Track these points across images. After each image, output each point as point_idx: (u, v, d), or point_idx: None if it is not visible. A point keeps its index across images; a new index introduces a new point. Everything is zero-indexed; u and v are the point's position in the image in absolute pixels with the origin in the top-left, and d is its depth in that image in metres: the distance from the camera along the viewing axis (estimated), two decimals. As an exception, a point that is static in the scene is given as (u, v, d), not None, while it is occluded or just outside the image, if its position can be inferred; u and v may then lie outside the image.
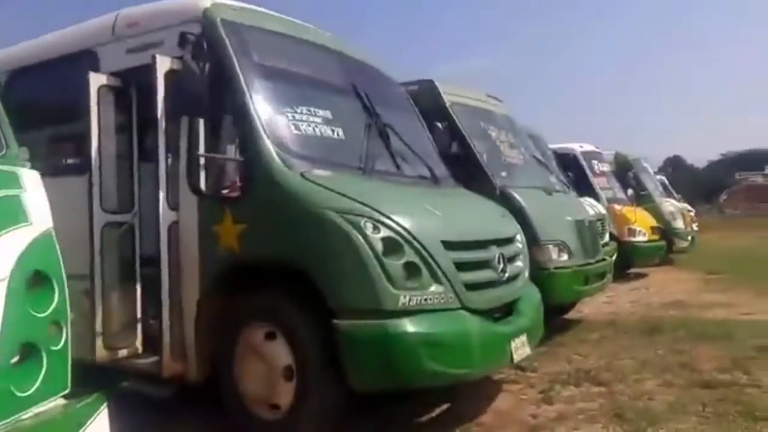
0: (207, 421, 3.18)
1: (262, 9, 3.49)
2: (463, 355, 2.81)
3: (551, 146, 8.52)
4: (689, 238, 11.63)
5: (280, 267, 2.84)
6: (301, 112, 3.14)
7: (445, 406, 3.44)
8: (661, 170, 31.53)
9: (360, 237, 2.64)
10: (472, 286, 2.94)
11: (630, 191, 9.93)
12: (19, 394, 1.59)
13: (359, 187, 2.92)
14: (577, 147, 10.01)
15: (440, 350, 2.69)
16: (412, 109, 4.31)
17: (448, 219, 3.10)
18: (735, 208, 35.15)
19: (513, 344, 3.10)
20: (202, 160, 3.08)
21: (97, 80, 3.38)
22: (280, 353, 2.80)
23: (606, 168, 10.42)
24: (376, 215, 2.72)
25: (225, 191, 3.09)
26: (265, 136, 2.92)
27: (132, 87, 3.53)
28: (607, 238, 7.26)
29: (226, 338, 2.99)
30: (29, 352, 1.65)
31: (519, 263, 3.55)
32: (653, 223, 9.87)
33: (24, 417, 1.59)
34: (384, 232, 2.70)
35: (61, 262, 1.84)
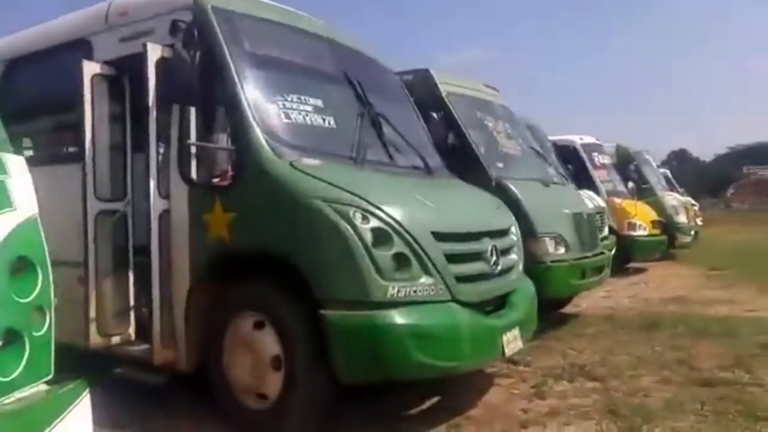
0: (199, 409, 3.18)
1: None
2: (451, 348, 2.80)
3: (551, 138, 8.45)
4: (692, 232, 11.53)
5: (269, 256, 2.83)
6: (293, 101, 3.12)
7: (434, 399, 3.43)
8: (665, 164, 31.31)
9: (348, 227, 2.63)
10: (463, 278, 2.92)
11: (631, 184, 9.81)
12: (1, 379, 1.59)
13: (349, 177, 2.90)
14: (577, 139, 9.90)
15: (428, 342, 2.68)
16: (406, 99, 4.28)
17: (440, 210, 3.08)
18: (742, 202, 34.82)
19: (505, 338, 3.09)
20: (193, 149, 3.08)
21: (90, 69, 3.38)
22: (269, 343, 2.80)
23: (606, 160, 10.30)
24: (365, 205, 2.71)
25: (216, 180, 3.08)
26: (254, 125, 2.90)
27: (125, 76, 3.52)
28: (606, 231, 7.19)
29: (216, 327, 3.00)
30: (12, 337, 1.65)
31: (513, 256, 3.53)
32: (654, 217, 9.78)
33: (5, 402, 1.60)
34: (373, 223, 2.68)
35: (46, 248, 1.84)
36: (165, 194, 3.13)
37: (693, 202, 13.72)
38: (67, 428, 1.64)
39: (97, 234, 3.34)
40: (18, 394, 1.63)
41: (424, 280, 2.75)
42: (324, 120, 3.22)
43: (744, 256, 10.69)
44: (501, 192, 4.65)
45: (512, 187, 4.92)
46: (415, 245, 2.75)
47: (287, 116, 3.07)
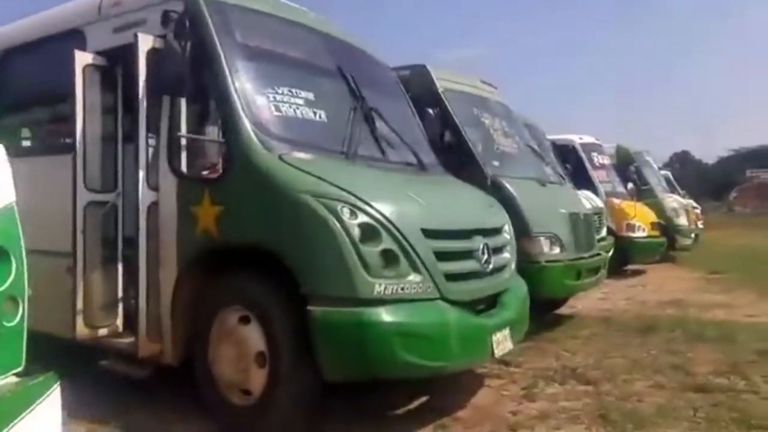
0: (185, 403, 3.15)
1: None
2: (439, 347, 2.76)
3: (550, 137, 8.39)
4: (693, 235, 11.47)
5: (256, 251, 2.79)
6: (284, 94, 3.08)
7: (422, 399, 3.39)
8: (667, 165, 31.15)
9: (336, 222, 2.59)
10: (452, 277, 2.88)
11: (630, 185, 9.75)
12: (-30, 369, 1.57)
13: (339, 172, 2.86)
14: (577, 138, 9.84)
15: (415, 341, 2.64)
16: (401, 94, 4.23)
17: (431, 207, 3.03)
18: (745, 206, 34.66)
19: (494, 338, 3.04)
20: (182, 141, 3.05)
21: (82, 59, 3.35)
22: (254, 338, 2.77)
23: (606, 161, 10.24)
24: (354, 200, 2.67)
25: (205, 172, 3.05)
26: (244, 117, 2.86)
27: (118, 66, 3.49)
28: (603, 232, 7.15)
29: (202, 321, 2.97)
30: (-19, 327, 1.62)
31: (506, 255, 3.48)
32: (653, 218, 9.72)
33: (-27, 392, 1.57)
34: (361, 218, 2.64)
35: (21, 238, 1.81)
36: (154, 186, 3.10)
37: (694, 204, 13.67)
38: (36, 420, 1.61)
39: (86, 225, 3.31)
40: (-14, 385, 1.61)
41: (413, 277, 2.71)
42: (315, 113, 3.18)
43: (745, 261, 10.62)
44: (496, 190, 4.61)
45: (508, 186, 4.86)
46: (404, 242, 2.71)
47: (278, 109, 3.04)
